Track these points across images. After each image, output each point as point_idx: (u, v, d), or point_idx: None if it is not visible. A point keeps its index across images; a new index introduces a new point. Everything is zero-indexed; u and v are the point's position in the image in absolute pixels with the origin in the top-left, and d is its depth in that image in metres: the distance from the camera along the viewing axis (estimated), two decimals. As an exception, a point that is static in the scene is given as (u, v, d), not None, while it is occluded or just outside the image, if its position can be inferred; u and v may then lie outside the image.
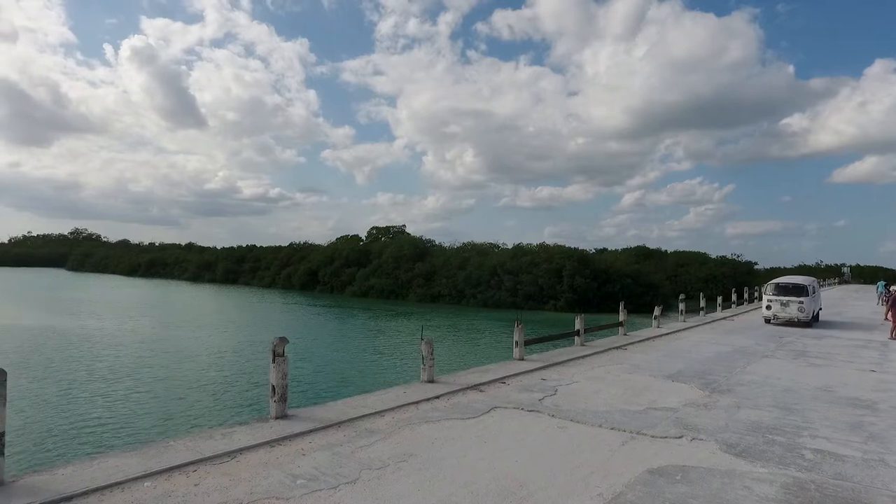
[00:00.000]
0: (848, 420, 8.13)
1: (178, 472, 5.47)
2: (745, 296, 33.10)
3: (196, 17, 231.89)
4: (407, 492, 5.18)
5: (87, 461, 5.64)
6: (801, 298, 20.15)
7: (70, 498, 4.81)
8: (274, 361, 7.17)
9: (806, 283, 20.89)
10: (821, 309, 23.68)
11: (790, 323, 20.51)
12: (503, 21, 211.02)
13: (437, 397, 8.74)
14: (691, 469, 5.94)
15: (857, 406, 9.01)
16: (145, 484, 5.16)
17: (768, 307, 20.87)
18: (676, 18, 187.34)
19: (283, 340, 7.27)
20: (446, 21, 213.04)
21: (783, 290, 20.83)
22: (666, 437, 7.05)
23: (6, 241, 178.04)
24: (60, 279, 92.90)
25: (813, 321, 20.91)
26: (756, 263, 78.15)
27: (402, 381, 17.80)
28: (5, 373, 5.02)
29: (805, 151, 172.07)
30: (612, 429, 7.39)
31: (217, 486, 5.15)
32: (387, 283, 63.77)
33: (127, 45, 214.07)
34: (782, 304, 20.38)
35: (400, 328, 37.54)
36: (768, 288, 21.43)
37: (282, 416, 7.21)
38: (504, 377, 10.41)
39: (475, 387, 9.55)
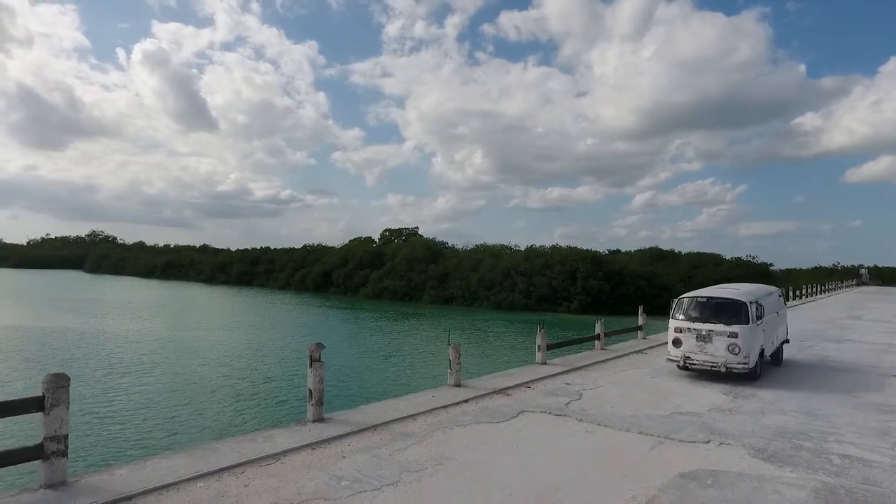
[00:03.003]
0: (874, 426, 8.20)
1: (228, 473, 5.72)
2: None
3: (207, 21, 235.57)
4: (448, 493, 5.39)
5: (141, 462, 5.91)
6: (734, 328, 10.74)
7: (130, 497, 5.07)
8: (311, 366, 7.41)
9: (745, 300, 11.14)
10: (786, 341, 14.24)
11: (715, 374, 11.15)
12: (510, 22, 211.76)
13: (466, 401, 8.94)
14: (721, 473, 6.08)
15: (882, 411, 9.06)
16: (198, 485, 5.41)
17: (676, 342, 11.40)
18: (685, 18, 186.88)
19: (320, 346, 7.51)
20: (453, 23, 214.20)
21: (702, 310, 11.36)
22: (694, 442, 7.19)
23: (25, 244, 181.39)
24: (80, 282, 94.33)
25: (760, 367, 11.35)
26: (772, 265, 77.58)
27: (423, 383, 18.10)
28: (68, 378, 5.30)
29: (818, 151, 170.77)
30: (639, 433, 7.54)
31: (266, 487, 5.39)
32: (400, 284, 64.16)
33: (139, 49, 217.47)
34: (700, 336, 11.07)
35: (415, 330, 37.80)
36: (682, 305, 11.76)
37: (319, 420, 7.45)
38: (529, 381, 10.58)
39: (502, 391, 9.74)
